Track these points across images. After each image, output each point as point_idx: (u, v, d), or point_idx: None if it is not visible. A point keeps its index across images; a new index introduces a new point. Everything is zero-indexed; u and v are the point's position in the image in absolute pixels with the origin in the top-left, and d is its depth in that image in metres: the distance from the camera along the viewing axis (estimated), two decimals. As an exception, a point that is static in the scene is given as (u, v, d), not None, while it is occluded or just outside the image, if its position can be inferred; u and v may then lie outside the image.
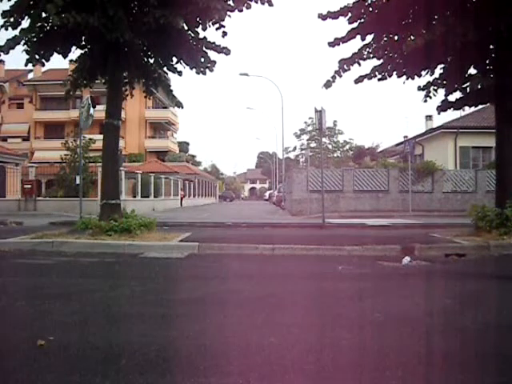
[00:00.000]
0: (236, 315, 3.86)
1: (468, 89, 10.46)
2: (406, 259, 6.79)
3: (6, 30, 8.35)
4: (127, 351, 2.94)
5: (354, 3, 9.37)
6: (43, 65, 9.94)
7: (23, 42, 8.49)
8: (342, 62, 9.63)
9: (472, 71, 10.16)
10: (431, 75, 10.24)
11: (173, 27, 8.40)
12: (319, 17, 9.62)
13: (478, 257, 7.25)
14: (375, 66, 10.04)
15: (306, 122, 69.60)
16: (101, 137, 10.42)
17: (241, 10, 8.85)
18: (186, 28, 9.10)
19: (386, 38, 9.63)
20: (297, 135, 71.93)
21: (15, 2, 8.39)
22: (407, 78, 10.00)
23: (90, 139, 22.22)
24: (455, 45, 8.35)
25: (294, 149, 73.71)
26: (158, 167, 37.78)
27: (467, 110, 18.20)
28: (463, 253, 7.39)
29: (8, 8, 8.36)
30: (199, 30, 9.32)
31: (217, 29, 9.02)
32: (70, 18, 7.64)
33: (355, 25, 9.46)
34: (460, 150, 25.12)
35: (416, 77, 10.00)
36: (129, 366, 2.68)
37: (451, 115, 25.22)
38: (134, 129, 47.03)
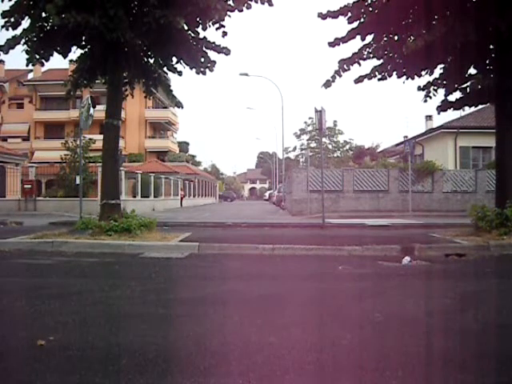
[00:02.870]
0: (236, 315, 3.86)
1: (468, 89, 10.47)
2: (406, 259, 6.79)
3: (7, 30, 8.35)
4: (127, 351, 2.94)
5: (353, 3, 9.37)
6: (43, 65, 9.95)
7: (23, 41, 8.50)
8: (341, 61, 9.63)
9: (472, 71, 10.17)
10: (431, 75, 10.26)
11: (173, 27, 8.40)
12: (319, 16, 9.62)
13: (478, 257, 7.24)
14: (375, 66, 10.03)
15: (305, 122, 69.64)
16: (101, 137, 10.42)
17: (241, 10, 8.85)
18: (186, 28, 9.10)
19: (385, 38, 9.63)
20: (297, 135, 71.94)
21: (15, 2, 8.40)
22: (407, 78, 10.00)
23: (90, 139, 22.24)
24: (455, 45, 8.36)
25: (294, 149, 73.73)
26: (157, 167, 37.80)
27: (467, 109, 18.21)
28: (463, 253, 7.38)
29: (8, 8, 8.37)
30: (199, 29, 9.34)
31: (217, 29, 9.03)
32: (71, 18, 7.64)
33: (355, 25, 9.46)
34: (460, 150, 25.12)
35: (416, 77, 10.00)
36: (129, 366, 2.68)
37: (451, 115, 25.29)
38: (134, 129, 47.03)
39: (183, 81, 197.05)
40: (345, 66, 9.64)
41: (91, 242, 8.11)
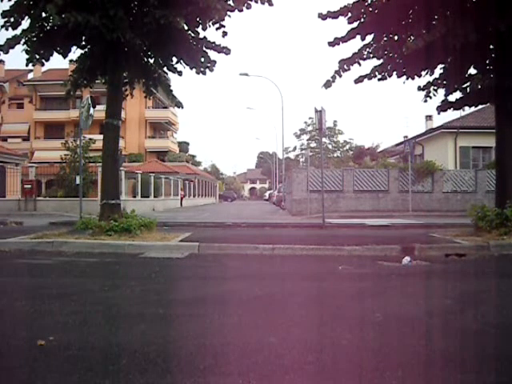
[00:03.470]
0: (236, 315, 3.86)
1: (468, 89, 10.46)
2: (406, 259, 6.79)
3: (7, 30, 8.35)
4: (127, 351, 2.94)
5: (353, 3, 9.36)
6: (43, 65, 9.95)
7: (23, 41, 8.49)
8: (341, 62, 9.62)
9: (472, 71, 10.16)
10: (431, 75, 10.24)
11: (173, 27, 8.40)
12: (319, 16, 9.62)
13: (478, 257, 7.24)
14: (375, 66, 10.03)
15: (305, 122, 69.85)
16: (101, 137, 10.42)
17: (241, 10, 8.84)
18: (186, 28, 9.10)
19: (385, 38, 9.63)
20: (297, 135, 72.10)
21: (15, 2, 8.39)
22: (407, 78, 9.99)
23: (90, 139, 22.24)
24: (455, 45, 8.35)
25: (294, 149, 73.91)
26: (157, 167, 37.83)
27: (467, 109, 18.21)
28: (463, 253, 7.38)
29: (8, 8, 8.37)
30: (199, 29, 9.32)
31: (217, 29, 9.02)
32: (71, 18, 7.64)
33: (355, 25, 9.45)
34: (460, 150, 25.13)
35: (416, 77, 9.99)
36: (129, 366, 2.68)
37: (451, 115, 25.30)
38: (134, 129, 47.02)
39: (183, 81, 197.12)
40: (345, 66, 9.63)
41: (91, 242, 8.11)
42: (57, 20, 7.65)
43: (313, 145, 66.40)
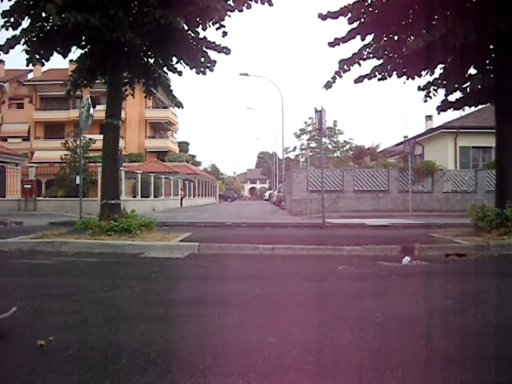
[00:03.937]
0: (236, 315, 3.86)
1: (468, 89, 10.46)
2: (406, 259, 6.79)
3: (7, 30, 8.35)
4: (127, 351, 2.94)
5: (353, 3, 9.36)
6: (43, 65, 9.95)
7: (23, 41, 8.49)
8: (342, 62, 9.62)
9: (472, 71, 10.16)
10: (431, 75, 10.25)
11: (173, 27, 8.40)
12: (319, 17, 9.62)
13: (478, 257, 7.24)
14: (375, 66, 10.03)
15: (305, 122, 69.90)
16: (101, 137, 10.42)
17: (241, 10, 8.85)
18: (186, 28, 9.10)
19: (385, 38, 9.63)
20: (297, 135, 72.13)
21: (15, 2, 8.39)
22: (407, 78, 10.00)
23: (90, 139, 22.24)
24: (455, 45, 8.35)
25: (294, 149, 73.96)
26: (157, 167, 37.83)
27: (467, 109, 18.21)
28: (463, 253, 7.38)
29: (8, 8, 8.37)
30: (199, 29, 9.33)
31: (217, 29, 9.03)
32: (71, 18, 7.65)
33: (355, 25, 9.46)
34: (460, 150, 25.13)
35: (416, 77, 9.99)
36: (129, 366, 2.68)
37: (451, 115, 25.31)
38: (134, 129, 47.02)
39: (183, 81, 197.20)
40: (345, 67, 9.62)
41: (91, 242, 8.11)
42: (57, 20, 7.66)
43: (313, 145, 66.42)
